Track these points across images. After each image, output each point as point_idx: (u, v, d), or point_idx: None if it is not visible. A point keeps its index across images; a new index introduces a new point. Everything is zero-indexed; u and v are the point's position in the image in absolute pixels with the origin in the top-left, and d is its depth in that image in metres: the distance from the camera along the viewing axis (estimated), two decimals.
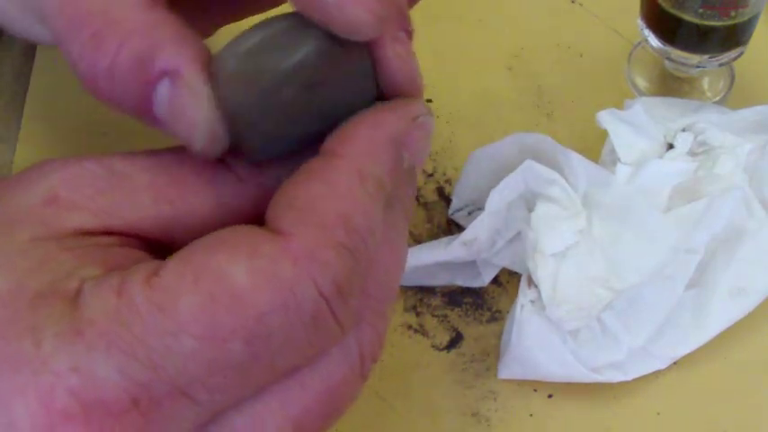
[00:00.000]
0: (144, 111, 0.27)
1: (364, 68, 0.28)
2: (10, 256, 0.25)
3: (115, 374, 0.23)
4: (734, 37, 0.44)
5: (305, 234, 0.25)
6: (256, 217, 0.28)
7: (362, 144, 0.27)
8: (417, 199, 0.45)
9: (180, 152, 0.28)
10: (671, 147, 0.43)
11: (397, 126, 0.27)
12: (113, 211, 0.26)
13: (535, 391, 0.40)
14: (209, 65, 0.27)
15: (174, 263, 0.24)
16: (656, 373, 0.40)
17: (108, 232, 0.26)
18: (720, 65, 0.46)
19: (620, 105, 0.44)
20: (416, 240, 0.43)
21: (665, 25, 0.44)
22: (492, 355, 0.41)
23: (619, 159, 0.42)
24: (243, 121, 0.27)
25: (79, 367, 0.23)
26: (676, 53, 0.45)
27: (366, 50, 0.28)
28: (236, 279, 0.24)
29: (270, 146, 0.28)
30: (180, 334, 0.23)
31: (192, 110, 0.26)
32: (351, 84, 0.28)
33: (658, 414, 0.39)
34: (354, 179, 0.26)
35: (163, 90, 0.26)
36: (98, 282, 0.24)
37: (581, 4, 0.52)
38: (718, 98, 0.48)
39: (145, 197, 0.27)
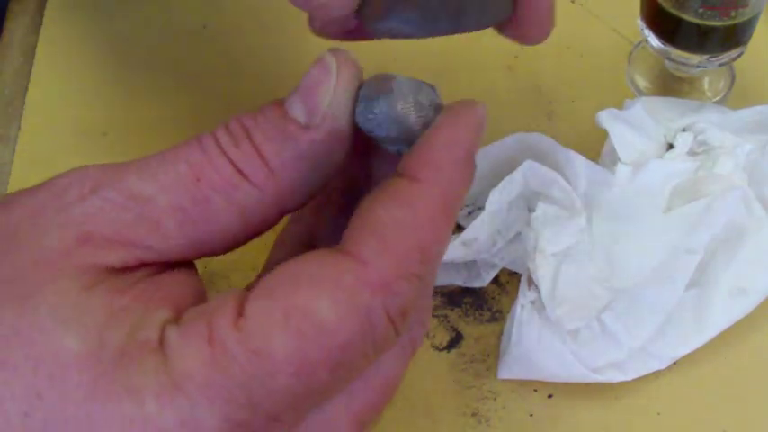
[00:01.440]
0: None
1: None
2: (74, 313, 0.25)
3: (219, 422, 0.24)
4: (734, 37, 0.44)
5: (383, 265, 0.26)
6: (279, 216, 0.29)
7: (444, 168, 0.27)
8: None
9: (197, 164, 0.27)
10: (671, 147, 0.43)
11: (471, 140, 0.28)
12: (143, 243, 0.26)
13: (535, 391, 0.40)
14: None
15: (259, 301, 0.25)
16: (656, 373, 0.40)
17: (143, 264, 0.27)
18: (720, 65, 0.46)
19: (620, 105, 0.44)
20: None
21: (666, 25, 0.44)
22: (492, 355, 0.41)
23: (619, 159, 0.42)
24: None
25: (186, 422, 0.24)
26: (676, 53, 0.45)
27: None
28: (322, 313, 0.25)
29: (397, 12, 0.28)
30: (276, 374, 0.24)
31: None
32: None
33: (658, 414, 0.39)
34: (437, 206, 0.27)
35: None
36: (184, 330, 0.25)
37: (581, 4, 0.52)
38: (718, 98, 0.48)
39: (170, 223, 0.27)
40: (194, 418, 0.24)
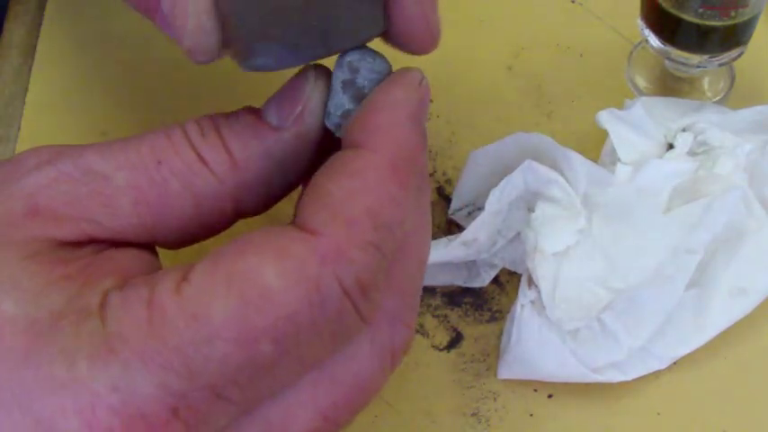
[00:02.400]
0: (151, 8, 0.27)
1: None
2: (13, 279, 0.24)
3: (154, 389, 0.23)
4: (734, 37, 0.44)
5: (333, 233, 0.25)
6: (235, 215, 0.28)
7: (388, 132, 0.27)
8: None
9: (160, 147, 0.27)
10: (671, 147, 0.43)
11: (410, 100, 0.27)
12: (93, 218, 0.26)
13: (535, 391, 0.40)
14: None
15: (203, 267, 0.24)
16: (656, 373, 0.40)
17: (92, 241, 0.26)
18: (720, 65, 0.46)
19: (620, 105, 0.44)
20: None
21: (665, 25, 0.44)
22: (492, 355, 0.41)
23: (619, 159, 0.42)
24: (235, 14, 0.26)
25: (118, 386, 0.23)
26: (676, 53, 0.45)
27: None
28: (267, 281, 0.24)
29: (260, 49, 0.27)
30: (214, 340, 0.23)
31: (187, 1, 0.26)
32: (357, 5, 0.28)
33: (658, 414, 0.39)
34: (386, 170, 0.26)
35: None
36: (125, 294, 0.24)
37: (581, 4, 0.52)
38: (718, 98, 0.48)
39: (124, 201, 0.26)
40: (128, 384, 0.23)
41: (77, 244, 0.26)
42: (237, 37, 0.27)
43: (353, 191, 0.25)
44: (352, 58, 0.29)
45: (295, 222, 0.26)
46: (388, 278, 0.27)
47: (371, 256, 0.25)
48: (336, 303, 0.25)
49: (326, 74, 0.29)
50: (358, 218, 0.25)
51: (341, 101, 0.29)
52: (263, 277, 0.24)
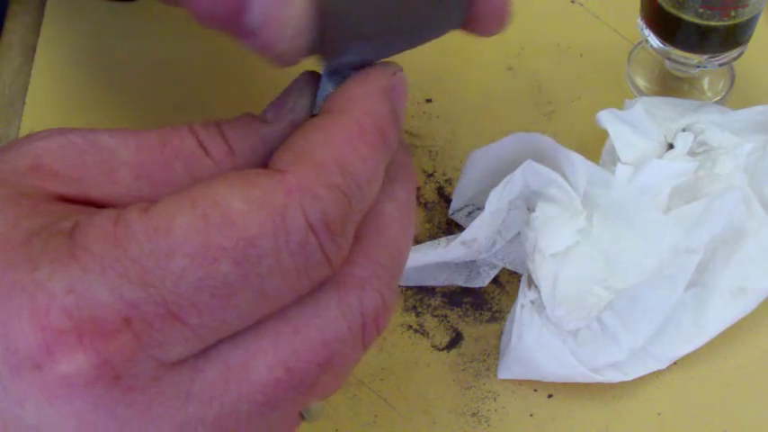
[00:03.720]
0: (236, 22, 0.28)
1: None
2: (1, 209, 0.25)
3: (108, 295, 0.23)
4: (734, 37, 0.44)
5: (300, 171, 0.26)
6: None
7: (358, 98, 0.28)
8: (417, 199, 0.45)
9: (166, 134, 0.28)
10: (671, 147, 0.43)
11: (383, 79, 0.29)
12: (93, 182, 0.27)
13: (535, 391, 0.40)
14: None
15: (170, 194, 0.25)
16: (656, 373, 0.40)
17: (88, 202, 0.27)
18: (720, 65, 0.46)
19: (620, 105, 0.44)
20: (416, 240, 0.43)
21: (665, 25, 0.44)
22: (492, 355, 0.41)
23: (619, 159, 0.42)
24: (331, 13, 0.28)
25: (74, 289, 0.23)
26: (676, 53, 0.45)
27: None
28: (231, 204, 0.24)
29: (351, 48, 0.29)
30: (173, 254, 0.24)
31: (286, 8, 0.27)
32: (446, 3, 0.29)
33: (658, 414, 0.39)
34: (354, 129, 0.27)
35: None
36: (93, 214, 0.25)
37: (581, 4, 0.52)
38: (718, 98, 0.48)
39: (126, 173, 0.27)
40: (84, 287, 0.23)
41: (73, 200, 0.27)
42: (330, 38, 0.29)
43: (322, 141, 0.26)
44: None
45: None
46: (360, 242, 0.28)
47: (338, 197, 0.26)
48: (301, 235, 0.25)
49: (317, 74, 0.31)
50: (325, 162, 0.26)
51: (326, 88, 0.30)
52: (226, 200, 0.25)
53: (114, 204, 0.27)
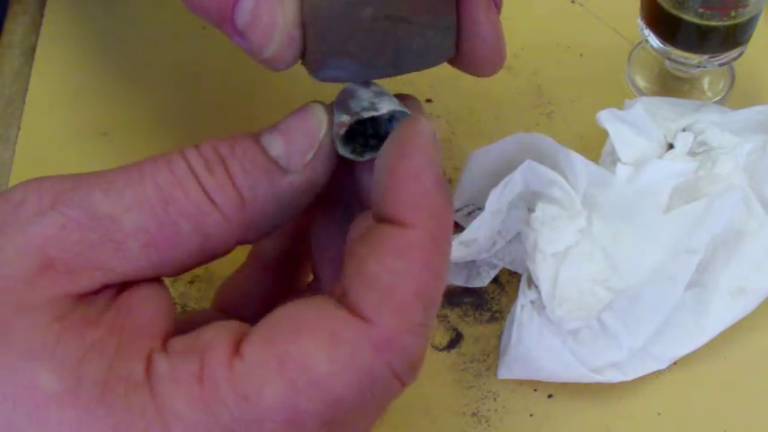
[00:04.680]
0: (225, 19, 0.28)
1: (448, 23, 0.29)
2: (47, 350, 0.24)
3: None
4: (734, 37, 0.44)
5: (385, 321, 0.25)
6: (237, 244, 0.28)
7: (422, 204, 0.27)
8: None
9: (167, 187, 0.27)
10: (671, 147, 0.43)
11: (434, 161, 0.28)
12: (106, 266, 0.26)
13: (535, 391, 0.40)
14: None
15: (256, 345, 0.25)
16: (656, 373, 0.40)
17: (106, 287, 0.26)
18: (720, 65, 0.46)
19: (620, 105, 0.44)
20: None
21: (665, 25, 0.44)
22: (492, 355, 0.41)
23: (619, 159, 0.42)
24: (317, 26, 0.27)
25: None
26: (676, 53, 0.45)
27: (454, 6, 0.29)
28: (318, 367, 0.25)
29: (335, 63, 0.28)
30: (263, 422, 0.24)
31: (274, 14, 0.27)
32: (431, 33, 0.29)
33: (658, 414, 0.39)
34: (428, 247, 0.26)
35: None
36: (172, 363, 0.25)
37: (581, 4, 0.52)
38: (718, 98, 0.48)
39: (134, 245, 0.26)
40: None
41: (93, 293, 0.26)
42: (315, 49, 0.28)
43: (401, 273, 0.26)
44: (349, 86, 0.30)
45: (345, 301, 0.26)
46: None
47: (422, 338, 0.26)
48: (385, 385, 0.25)
49: (332, 111, 0.30)
50: (409, 302, 0.26)
51: (339, 117, 0.29)
52: (314, 363, 0.25)
53: (127, 278, 0.27)
